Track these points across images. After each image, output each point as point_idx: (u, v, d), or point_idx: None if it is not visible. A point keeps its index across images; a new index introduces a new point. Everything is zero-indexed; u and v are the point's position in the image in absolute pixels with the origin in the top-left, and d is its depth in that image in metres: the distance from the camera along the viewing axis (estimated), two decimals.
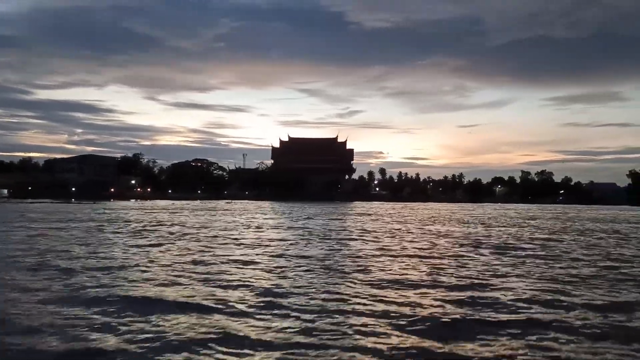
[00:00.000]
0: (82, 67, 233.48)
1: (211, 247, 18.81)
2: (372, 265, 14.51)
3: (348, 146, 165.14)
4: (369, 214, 52.81)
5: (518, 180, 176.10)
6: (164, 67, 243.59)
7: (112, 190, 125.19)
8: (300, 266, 14.25)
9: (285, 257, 16.18)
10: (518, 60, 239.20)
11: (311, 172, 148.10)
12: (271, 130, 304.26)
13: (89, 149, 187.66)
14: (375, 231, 28.27)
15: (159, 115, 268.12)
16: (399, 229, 30.24)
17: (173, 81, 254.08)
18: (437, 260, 15.98)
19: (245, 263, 14.75)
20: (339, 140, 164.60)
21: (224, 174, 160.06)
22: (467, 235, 26.55)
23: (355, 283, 11.66)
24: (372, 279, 12.27)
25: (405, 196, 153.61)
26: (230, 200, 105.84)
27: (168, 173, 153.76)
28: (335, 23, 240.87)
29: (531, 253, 18.32)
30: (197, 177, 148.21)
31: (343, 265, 14.48)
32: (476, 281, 12.03)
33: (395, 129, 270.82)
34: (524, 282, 12.06)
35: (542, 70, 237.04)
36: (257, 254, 16.92)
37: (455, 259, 16.16)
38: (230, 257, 15.95)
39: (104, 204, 75.61)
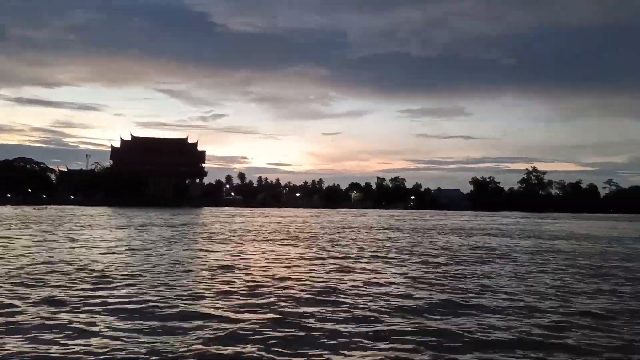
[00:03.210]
0: None
1: None
2: None
3: (203, 149, 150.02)
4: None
5: (374, 187, 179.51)
6: (4, 58, 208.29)
7: None
8: None
9: None
10: (377, 73, 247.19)
11: (156, 175, 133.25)
12: (128, 131, 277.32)
13: None
14: None
15: None
16: None
17: (15, 74, 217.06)
18: None
19: None
20: (190, 141, 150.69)
21: (53, 175, 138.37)
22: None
23: None
24: None
25: (260, 202, 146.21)
26: (42, 206, 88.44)
27: None
28: (199, 23, 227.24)
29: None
30: (14, 180, 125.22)
31: None
32: None
33: (260, 134, 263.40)
34: None
35: (398, 84, 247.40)
36: None
37: None
38: None
39: None
